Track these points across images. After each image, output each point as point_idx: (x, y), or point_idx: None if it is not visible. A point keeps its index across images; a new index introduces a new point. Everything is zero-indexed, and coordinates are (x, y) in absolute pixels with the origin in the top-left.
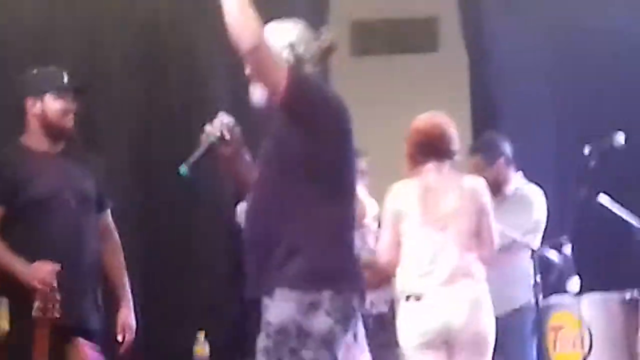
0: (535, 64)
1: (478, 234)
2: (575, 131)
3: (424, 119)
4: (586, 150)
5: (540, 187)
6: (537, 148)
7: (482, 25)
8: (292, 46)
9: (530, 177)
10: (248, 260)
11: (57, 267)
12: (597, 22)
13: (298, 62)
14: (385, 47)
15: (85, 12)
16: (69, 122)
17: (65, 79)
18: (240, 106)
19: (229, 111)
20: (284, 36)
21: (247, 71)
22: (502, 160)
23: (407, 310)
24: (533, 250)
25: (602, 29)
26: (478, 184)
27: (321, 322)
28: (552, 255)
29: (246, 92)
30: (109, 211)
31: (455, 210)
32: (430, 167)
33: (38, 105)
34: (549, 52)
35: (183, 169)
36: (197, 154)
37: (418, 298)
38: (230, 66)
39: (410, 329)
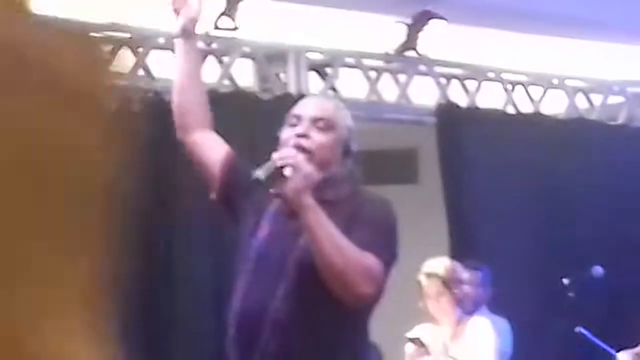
0: (513, 200)
1: None
2: (553, 263)
3: None
4: (565, 282)
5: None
6: (516, 280)
7: (460, 159)
8: None
9: (508, 307)
10: None
11: None
12: (573, 163)
13: None
14: (365, 178)
15: None
16: None
17: None
18: None
19: None
20: None
21: None
22: None
23: None
24: None
25: (578, 170)
26: None
27: None
28: None
29: None
30: None
31: None
32: None
33: None
34: (527, 188)
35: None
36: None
37: None
38: None
39: None
